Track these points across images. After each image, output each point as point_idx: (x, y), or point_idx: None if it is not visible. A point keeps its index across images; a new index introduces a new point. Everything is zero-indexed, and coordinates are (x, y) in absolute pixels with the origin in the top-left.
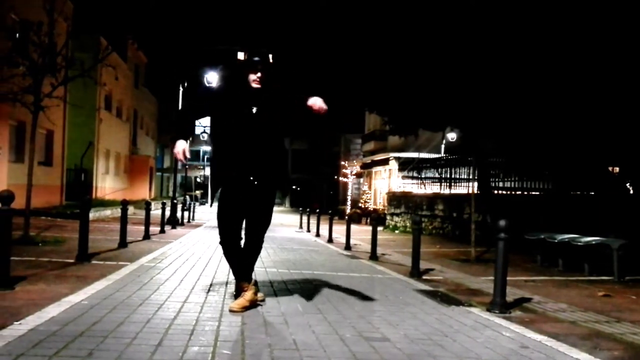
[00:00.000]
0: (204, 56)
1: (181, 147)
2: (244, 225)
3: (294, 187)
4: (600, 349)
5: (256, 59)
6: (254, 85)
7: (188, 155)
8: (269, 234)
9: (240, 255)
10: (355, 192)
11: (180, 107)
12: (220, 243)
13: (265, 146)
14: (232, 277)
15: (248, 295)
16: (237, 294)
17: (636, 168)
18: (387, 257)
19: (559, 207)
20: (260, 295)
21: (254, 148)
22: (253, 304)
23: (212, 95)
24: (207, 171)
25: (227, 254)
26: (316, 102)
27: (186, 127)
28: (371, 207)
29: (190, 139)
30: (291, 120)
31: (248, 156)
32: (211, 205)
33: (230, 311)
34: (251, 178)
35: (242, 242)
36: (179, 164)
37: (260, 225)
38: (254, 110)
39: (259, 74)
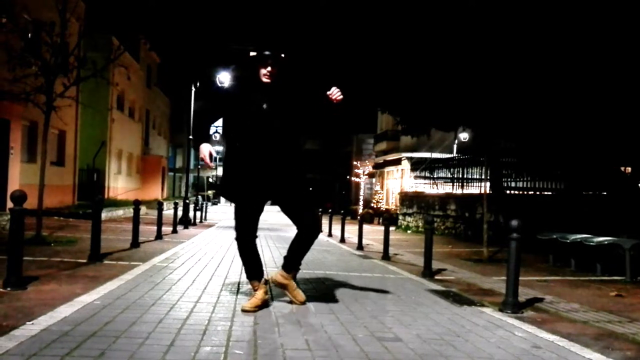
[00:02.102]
0: (216, 56)
1: (207, 150)
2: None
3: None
4: (613, 349)
5: (267, 53)
6: (264, 79)
7: (215, 155)
8: (280, 233)
9: (255, 254)
10: (367, 192)
11: (197, 110)
12: (236, 239)
13: (280, 145)
14: (244, 277)
15: (260, 294)
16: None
17: None
18: (400, 257)
19: (571, 207)
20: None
21: (267, 148)
22: (265, 304)
23: (224, 94)
24: (219, 171)
25: (242, 250)
26: (333, 91)
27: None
28: (383, 207)
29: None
30: (307, 116)
31: (262, 158)
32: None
33: (243, 311)
34: (265, 185)
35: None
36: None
37: (300, 209)
38: (265, 106)
39: (269, 68)
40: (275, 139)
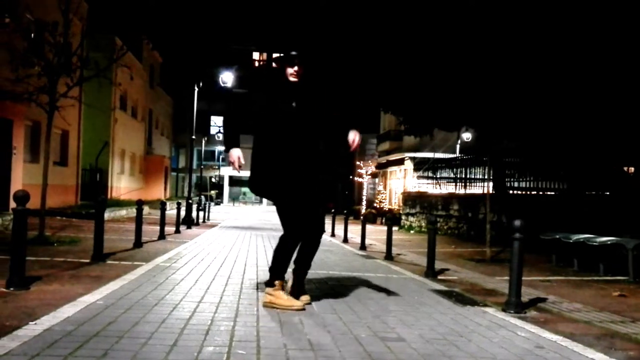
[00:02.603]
0: (219, 56)
1: (236, 155)
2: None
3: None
4: (616, 349)
5: (293, 53)
6: (292, 79)
7: (243, 162)
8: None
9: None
10: (370, 192)
11: (225, 113)
12: (293, 238)
13: (310, 144)
14: (247, 277)
15: (284, 302)
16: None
17: None
18: (403, 257)
19: (574, 207)
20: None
21: (296, 148)
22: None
23: (250, 95)
24: (222, 171)
25: (291, 250)
26: (355, 138)
27: (236, 134)
28: (386, 207)
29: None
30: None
31: (296, 157)
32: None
33: (265, 306)
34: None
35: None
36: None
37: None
38: (294, 104)
39: (296, 68)
40: (306, 137)
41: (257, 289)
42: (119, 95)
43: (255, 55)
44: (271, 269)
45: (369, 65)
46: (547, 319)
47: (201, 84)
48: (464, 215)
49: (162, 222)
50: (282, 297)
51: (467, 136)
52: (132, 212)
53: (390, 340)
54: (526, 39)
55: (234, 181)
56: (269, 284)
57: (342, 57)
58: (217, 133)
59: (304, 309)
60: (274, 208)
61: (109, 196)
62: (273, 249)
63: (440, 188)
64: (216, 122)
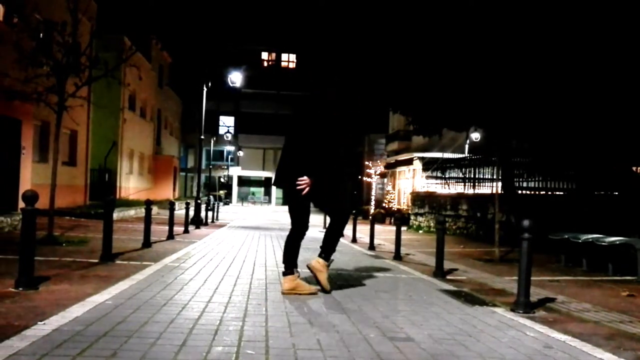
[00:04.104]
0: (227, 56)
1: (308, 183)
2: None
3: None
4: (624, 349)
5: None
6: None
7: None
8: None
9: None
10: (379, 192)
11: (310, 145)
12: (297, 232)
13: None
14: (256, 277)
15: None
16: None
17: None
18: (411, 257)
19: (582, 207)
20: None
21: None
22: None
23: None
24: (231, 171)
25: (297, 242)
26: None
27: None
28: (395, 207)
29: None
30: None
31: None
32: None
33: (284, 294)
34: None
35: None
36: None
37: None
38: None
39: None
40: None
41: (266, 288)
42: (127, 95)
43: (264, 55)
44: (286, 260)
45: (378, 65)
46: (555, 319)
47: (210, 84)
48: (472, 215)
49: (171, 222)
50: (304, 285)
51: (475, 136)
52: (141, 212)
53: (399, 340)
54: (536, 40)
55: (243, 181)
56: (289, 273)
57: (352, 58)
58: (225, 133)
59: (329, 292)
60: (282, 208)
61: (117, 196)
62: (284, 245)
63: (448, 188)
64: (225, 122)
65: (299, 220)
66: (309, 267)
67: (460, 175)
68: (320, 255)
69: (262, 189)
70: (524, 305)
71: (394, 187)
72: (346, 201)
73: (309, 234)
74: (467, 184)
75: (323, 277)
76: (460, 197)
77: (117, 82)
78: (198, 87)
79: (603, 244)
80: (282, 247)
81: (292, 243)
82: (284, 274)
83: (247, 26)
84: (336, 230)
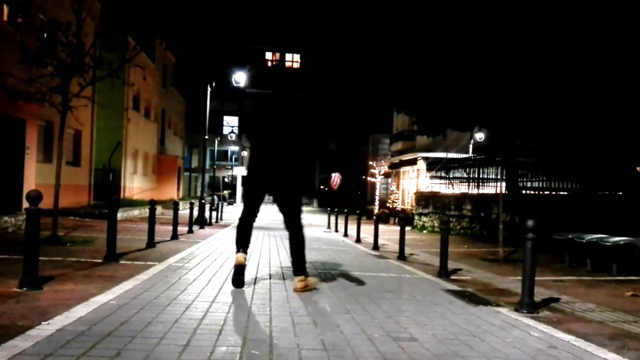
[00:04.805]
0: (232, 56)
1: (336, 177)
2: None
3: (321, 187)
4: (629, 348)
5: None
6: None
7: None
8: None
9: (249, 232)
10: (383, 192)
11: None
12: (239, 220)
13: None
14: (260, 275)
15: (305, 282)
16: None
17: None
18: (415, 257)
19: (587, 207)
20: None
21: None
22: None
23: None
24: (235, 171)
25: (241, 227)
26: (334, 178)
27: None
28: (399, 207)
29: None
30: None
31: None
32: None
33: (297, 291)
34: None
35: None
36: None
37: (290, 216)
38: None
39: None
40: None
41: (270, 288)
42: (131, 95)
43: (268, 55)
44: (297, 262)
45: (382, 65)
46: (560, 319)
47: (214, 84)
48: (476, 215)
49: (175, 222)
50: (312, 280)
51: (479, 136)
52: (145, 212)
53: (403, 340)
54: (539, 41)
55: None
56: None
57: (356, 58)
58: (229, 133)
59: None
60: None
61: (121, 196)
62: (290, 248)
63: (453, 188)
64: (229, 122)
65: (297, 217)
66: (296, 291)
67: (464, 175)
68: (297, 274)
69: None
70: (528, 305)
71: (398, 187)
72: (301, 211)
73: (312, 233)
74: (471, 184)
75: (311, 284)
76: (464, 197)
77: (121, 82)
78: (202, 87)
79: (607, 244)
80: (286, 248)
81: (301, 243)
82: (298, 273)
83: (251, 26)
84: (297, 240)
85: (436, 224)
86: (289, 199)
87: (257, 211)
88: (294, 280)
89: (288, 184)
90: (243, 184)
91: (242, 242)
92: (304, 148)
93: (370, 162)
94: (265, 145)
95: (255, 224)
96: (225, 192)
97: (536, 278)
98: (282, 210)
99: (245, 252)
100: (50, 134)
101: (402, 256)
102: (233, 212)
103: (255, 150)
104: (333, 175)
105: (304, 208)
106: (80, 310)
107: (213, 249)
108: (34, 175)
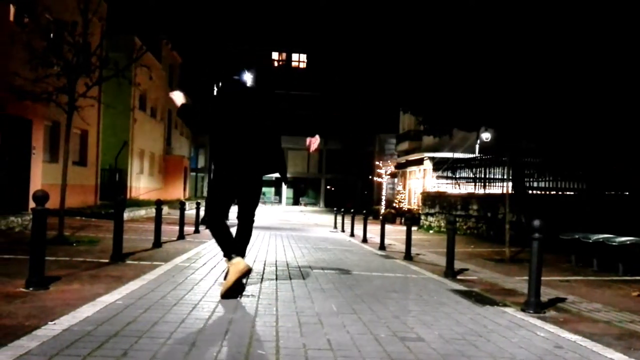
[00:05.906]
0: (238, 57)
1: (178, 97)
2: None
3: (328, 187)
4: (635, 349)
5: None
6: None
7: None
8: (303, 233)
9: (228, 233)
10: (389, 192)
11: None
12: (210, 220)
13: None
14: (266, 277)
15: (230, 277)
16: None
17: None
18: (422, 257)
19: (593, 207)
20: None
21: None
22: (238, 282)
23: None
24: None
25: (221, 229)
26: (312, 141)
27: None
28: (405, 207)
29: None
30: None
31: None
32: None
33: (222, 297)
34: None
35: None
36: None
37: (250, 207)
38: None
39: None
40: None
41: (276, 288)
42: (138, 95)
43: (275, 55)
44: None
45: (389, 65)
46: (566, 319)
47: (220, 84)
48: (483, 215)
49: (182, 222)
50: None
51: (486, 136)
52: (152, 212)
53: (410, 340)
54: (545, 39)
55: None
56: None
57: (363, 58)
58: None
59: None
60: (292, 208)
61: (128, 196)
62: (292, 247)
63: (459, 188)
64: None
65: (210, 206)
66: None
67: (471, 175)
68: (240, 255)
69: (272, 189)
70: (534, 305)
71: (404, 187)
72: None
73: (319, 234)
74: (477, 184)
75: (231, 279)
76: (470, 197)
77: (128, 82)
78: (208, 87)
79: (613, 244)
80: (292, 247)
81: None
82: (239, 254)
83: (258, 26)
84: (249, 229)
85: (442, 224)
86: (257, 188)
87: (230, 205)
88: (242, 260)
89: (263, 171)
90: (216, 176)
91: (231, 244)
92: (271, 125)
93: (377, 162)
94: (239, 130)
95: (262, 224)
96: None
97: (542, 278)
98: (244, 200)
99: (243, 255)
100: (57, 134)
101: (408, 256)
102: None
103: (228, 137)
104: (311, 139)
105: (310, 208)
106: (87, 310)
107: (219, 249)
108: (40, 175)
